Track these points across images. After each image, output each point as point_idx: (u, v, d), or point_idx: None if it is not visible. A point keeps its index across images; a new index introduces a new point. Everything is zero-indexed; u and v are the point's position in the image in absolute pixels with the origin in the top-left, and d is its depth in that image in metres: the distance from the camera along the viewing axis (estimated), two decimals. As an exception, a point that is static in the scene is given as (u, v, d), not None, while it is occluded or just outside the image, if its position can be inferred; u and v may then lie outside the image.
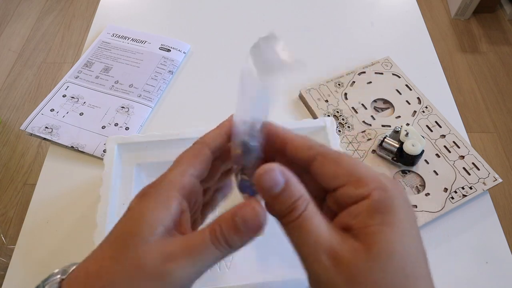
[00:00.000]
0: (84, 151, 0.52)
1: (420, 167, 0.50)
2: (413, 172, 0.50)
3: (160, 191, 0.23)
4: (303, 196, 0.22)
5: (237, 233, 0.22)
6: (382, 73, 0.60)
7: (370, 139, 0.53)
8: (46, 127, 0.54)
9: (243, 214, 0.22)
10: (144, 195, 0.23)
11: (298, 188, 0.22)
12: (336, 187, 0.22)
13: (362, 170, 0.22)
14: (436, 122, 0.54)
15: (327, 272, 0.20)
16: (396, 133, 0.50)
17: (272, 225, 0.42)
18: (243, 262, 0.39)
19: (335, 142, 0.45)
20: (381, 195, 0.21)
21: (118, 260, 0.21)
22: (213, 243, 0.22)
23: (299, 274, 0.38)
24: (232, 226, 0.22)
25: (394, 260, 0.19)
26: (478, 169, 0.50)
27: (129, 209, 0.24)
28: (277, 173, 0.21)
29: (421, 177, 0.49)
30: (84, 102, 0.57)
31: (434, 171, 0.50)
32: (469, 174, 0.49)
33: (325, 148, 0.23)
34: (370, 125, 0.54)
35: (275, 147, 0.25)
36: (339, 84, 0.58)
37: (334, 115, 0.55)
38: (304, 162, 0.24)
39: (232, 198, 0.30)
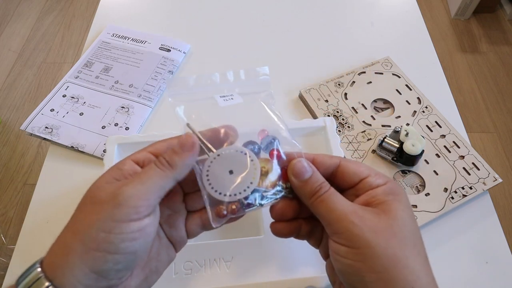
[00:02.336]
0: (84, 151, 0.52)
1: (420, 167, 0.50)
2: (413, 172, 0.50)
3: (116, 163, 0.28)
4: (326, 182, 0.29)
5: (176, 154, 0.27)
6: (382, 73, 0.60)
7: (370, 139, 0.53)
8: (46, 127, 0.54)
9: (180, 140, 0.28)
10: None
11: (321, 176, 0.29)
12: (361, 179, 0.29)
13: (376, 169, 0.30)
14: (436, 122, 0.54)
15: (356, 227, 0.26)
16: (396, 133, 0.50)
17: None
18: (243, 262, 0.39)
19: (335, 142, 0.45)
20: (393, 185, 0.29)
21: (80, 213, 0.26)
22: (157, 166, 0.27)
23: (299, 274, 0.38)
24: (171, 151, 0.28)
25: (401, 221, 0.27)
26: (478, 169, 0.50)
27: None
28: (305, 163, 0.29)
29: (421, 177, 0.49)
30: (84, 102, 0.57)
31: (434, 171, 0.50)
32: (469, 174, 0.49)
33: (343, 157, 0.32)
34: (370, 125, 0.54)
35: None
36: (339, 84, 0.58)
37: (334, 115, 0.55)
38: (329, 169, 0.30)
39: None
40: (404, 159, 0.49)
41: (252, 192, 0.28)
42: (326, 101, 0.56)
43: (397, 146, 0.49)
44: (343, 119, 0.55)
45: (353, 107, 0.56)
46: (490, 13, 1.81)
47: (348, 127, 0.54)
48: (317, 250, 0.38)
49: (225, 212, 0.28)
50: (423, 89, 0.58)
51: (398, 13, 0.71)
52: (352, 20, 0.70)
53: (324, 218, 0.27)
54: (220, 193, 0.28)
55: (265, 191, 0.29)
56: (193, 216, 0.32)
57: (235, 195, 0.28)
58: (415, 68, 0.61)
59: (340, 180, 0.30)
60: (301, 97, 0.58)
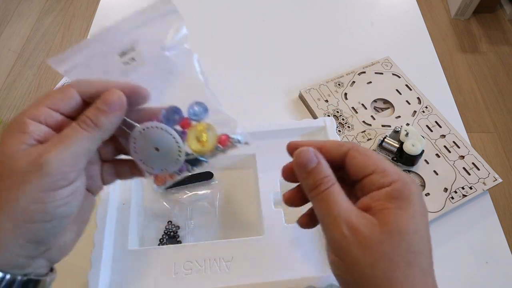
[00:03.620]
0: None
1: (420, 167, 0.50)
2: (413, 172, 0.50)
3: (13, 125, 0.25)
4: (330, 176, 0.26)
5: (102, 113, 0.25)
6: (382, 73, 0.60)
7: (370, 139, 0.53)
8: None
9: (105, 97, 0.26)
10: (2, 136, 0.26)
11: (327, 169, 0.26)
12: (364, 176, 0.26)
13: (387, 164, 0.26)
14: (436, 122, 0.54)
15: (345, 239, 0.24)
16: (396, 133, 0.50)
17: (272, 226, 0.42)
18: (243, 262, 0.39)
19: (335, 142, 0.45)
20: (400, 186, 0.25)
21: None
22: (82, 127, 0.25)
23: (299, 274, 0.38)
24: (96, 109, 0.26)
25: (398, 236, 0.23)
26: (478, 169, 0.50)
27: None
28: (311, 153, 0.27)
29: (421, 177, 0.49)
30: (85, 102, 0.57)
31: (434, 171, 0.50)
32: (469, 174, 0.49)
33: (355, 144, 0.28)
34: (370, 125, 0.54)
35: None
36: (339, 84, 0.58)
37: (334, 115, 0.55)
38: (338, 158, 0.28)
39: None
40: (404, 159, 0.49)
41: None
42: (326, 101, 0.57)
43: (397, 146, 0.49)
44: (343, 119, 0.55)
45: (353, 107, 0.56)
46: (490, 13, 1.81)
47: (348, 127, 0.54)
48: (316, 250, 0.38)
49: (161, 183, 0.31)
50: (423, 89, 0.58)
51: (398, 13, 0.71)
52: (352, 20, 0.70)
53: (319, 218, 0.26)
54: (149, 167, 0.30)
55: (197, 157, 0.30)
56: (107, 165, 0.32)
57: (164, 170, 0.30)
58: (415, 68, 0.61)
59: (349, 172, 0.27)
60: (301, 97, 0.58)
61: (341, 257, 0.24)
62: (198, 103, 0.31)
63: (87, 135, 0.25)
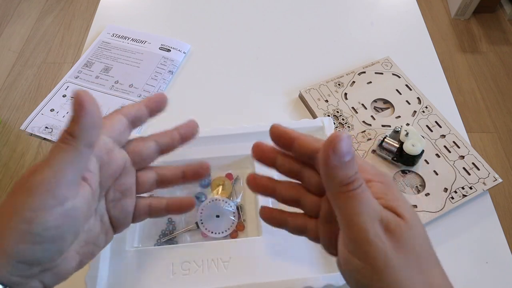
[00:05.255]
0: (84, 151, 0.52)
1: (420, 167, 0.50)
2: (413, 172, 0.50)
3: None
4: (359, 173, 0.24)
5: (73, 121, 0.24)
6: (382, 73, 0.60)
7: (370, 139, 0.53)
8: (46, 127, 0.54)
9: (72, 105, 0.25)
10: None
11: (357, 165, 0.24)
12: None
13: (359, 162, 0.26)
14: (436, 122, 0.54)
15: (379, 238, 0.23)
16: (396, 133, 0.50)
17: (270, 226, 0.42)
18: (241, 262, 0.39)
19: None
20: (388, 185, 0.26)
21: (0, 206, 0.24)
22: (60, 142, 0.24)
23: (297, 275, 0.38)
24: (70, 120, 0.25)
25: (420, 230, 0.25)
26: (478, 169, 0.50)
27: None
28: (350, 141, 0.23)
29: (421, 177, 0.49)
30: (84, 102, 0.57)
31: (434, 171, 0.49)
32: (469, 174, 0.49)
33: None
34: (370, 125, 0.54)
35: (282, 144, 0.28)
36: (339, 84, 0.58)
37: (334, 115, 0.55)
38: (311, 154, 0.27)
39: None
40: (404, 159, 0.49)
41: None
42: (326, 101, 0.56)
43: (397, 146, 0.49)
44: (343, 119, 0.54)
45: (353, 107, 0.56)
46: (490, 13, 1.81)
47: (348, 127, 0.54)
48: (316, 250, 0.38)
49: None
50: (423, 89, 0.58)
51: (398, 13, 0.71)
52: (352, 20, 0.70)
53: (345, 217, 0.24)
54: (207, 230, 0.43)
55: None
56: (142, 201, 0.32)
57: (218, 233, 0.43)
58: (415, 68, 0.61)
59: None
60: (301, 97, 0.58)
61: (368, 261, 0.23)
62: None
63: (65, 148, 0.24)
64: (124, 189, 0.31)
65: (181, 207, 0.34)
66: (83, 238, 0.28)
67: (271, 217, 0.30)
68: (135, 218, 0.32)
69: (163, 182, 0.33)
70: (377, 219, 0.23)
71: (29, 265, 0.24)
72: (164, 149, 0.33)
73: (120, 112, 0.30)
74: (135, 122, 0.31)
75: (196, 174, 0.33)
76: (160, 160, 0.45)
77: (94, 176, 0.27)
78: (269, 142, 0.46)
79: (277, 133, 0.28)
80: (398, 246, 0.23)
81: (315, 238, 0.29)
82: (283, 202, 0.30)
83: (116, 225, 0.31)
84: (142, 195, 0.33)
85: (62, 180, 0.24)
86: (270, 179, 0.30)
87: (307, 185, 0.29)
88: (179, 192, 0.46)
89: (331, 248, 0.28)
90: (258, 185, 0.30)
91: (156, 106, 0.32)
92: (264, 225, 0.41)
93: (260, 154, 0.29)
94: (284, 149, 0.29)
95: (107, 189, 0.30)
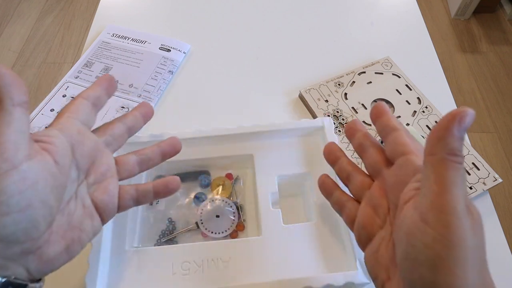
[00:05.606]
0: (84, 151, 0.52)
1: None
2: (413, 172, 0.50)
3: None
4: None
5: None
6: (382, 73, 0.60)
7: (370, 139, 0.53)
8: (46, 127, 0.54)
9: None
10: None
11: None
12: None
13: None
14: (436, 122, 0.54)
15: (465, 214, 0.22)
16: (396, 133, 0.50)
17: (270, 226, 0.42)
18: (241, 262, 0.39)
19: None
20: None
21: None
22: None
23: (297, 275, 0.38)
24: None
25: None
26: (478, 169, 0.50)
27: None
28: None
29: (421, 177, 0.49)
30: (84, 102, 0.57)
31: (434, 171, 0.49)
32: (469, 174, 0.49)
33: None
34: (370, 125, 0.54)
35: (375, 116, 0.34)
36: (339, 84, 0.58)
37: (334, 115, 0.55)
38: (390, 128, 0.32)
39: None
40: (404, 159, 0.49)
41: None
42: (326, 101, 0.56)
43: (397, 146, 0.49)
44: (343, 119, 0.54)
45: (353, 107, 0.56)
46: (490, 13, 1.81)
47: (348, 127, 0.54)
48: (316, 250, 0.38)
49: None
50: (423, 89, 0.58)
51: (398, 13, 0.71)
52: (352, 20, 0.70)
53: (439, 183, 0.23)
54: (207, 230, 0.43)
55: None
56: (128, 187, 0.32)
57: (218, 233, 0.43)
58: (415, 68, 0.61)
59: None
60: (301, 97, 0.58)
61: (446, 233, 0.22)
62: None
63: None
64: (104, 170, 0.31)
65: (167, 187, 0.35)
66: (65, 220, 0.28)
67: (323, 184, 0.37)
68: (121, 204, 0.32)
69: (143, 161, 0.35)
70: (465, 197, 0.23)
71: (6, 243, 0.23)
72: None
73: (79, 96, 0.32)
74: (96, 104, 0.33)
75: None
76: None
77: (58, 150, 0.28)
78: (267, 141, 0.47)
79: (377, 111, 0.33)
80: (474, 229, 0.22)
81: (349, 221, 0.33)
82: (339, 172, 0.36)
83: (102, 211, 0.31)
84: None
85: (4, 142, 0.24)
86: (339, 149, 0.37)
87: (366, 161, 0.33)
88: (179, 193, 0.46)
89: (365, 233, 0.29)
90: (331, 152, 0.37)
91: (108, 86, 0.35)
92: (264, 225, 0.41)
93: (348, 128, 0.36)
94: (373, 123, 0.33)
95: (86, 172, 0.31)
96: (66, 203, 0.29)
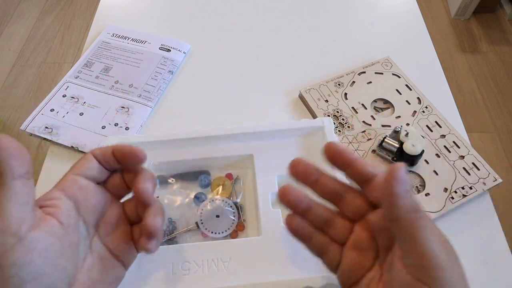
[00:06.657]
0: (84, 151, 0.52)
1: (420, 167, 0.50)
2: (413, 172, 0.50)
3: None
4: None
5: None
6: (382, 73, 0.60)
7: (370, 139, 0.53)
8: (46, 127, 0.54)
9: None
10: None
11: None
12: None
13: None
14: (436, 122, 0.54)
15: (451, 265, 0.24)
16: (396, 133, 0.50)
17: (270, 226, 0.42)
18: (241, 262, 0.39)
19: (335, 142, 0.45)
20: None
21: None
22: None
23: (297, 275, 0.38)
24: None
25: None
26: (478, 169, 0.50)
27: None
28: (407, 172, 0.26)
29: (421, 177, 0.49)
30: (84, 102, 0.57)
31: (434, 171, 0.49)
32: (469, 174, 0.49)
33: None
34: (370, 125, 0.54)
35: (337, 163, 0.29)
36: (339, 84, 0.58)
37: (334, 115, 0.55)
38: (366, 177, 0.28)
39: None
40: (404, 159, 0.49)
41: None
42: (326, 101, 0.56)
43: (397, 146, 0.49)
44: (343, 119, 0.54)
45: (353, 107, 0.56)
46: (490, 13, 1.81)
47: (348, 127, 0.54)
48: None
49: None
50: (423, 89, 0.58)
51: (398, 13, 0.71)
52: (352, 20, 0.70)
53: (414, 244, 0.24)
54: (207, 230, 0.43)
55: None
56: (138, 227, 0.32)
57: (218, 233, 0.43)
58: (415, 68, 0.61)
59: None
60: (301, 97, 0.58)
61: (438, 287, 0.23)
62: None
63: None
64: (113, 220, 0.31)
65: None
66: (86, 277, 0.28)
67: (298, 228, 0.31)
68: (138, 246, 0.32)
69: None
70: (441, 244, 0.24)
71: None
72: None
73: (90, 152, 0.32)
74: (106, 162, 0.32)
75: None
76: (160, 161, 0.45)
77: (62, 211, 0.28)
78: (267, 141, 0.47)
79: (333, 151, 0.29)
80: (453, 264, 0.25)
81: (331, 265, 0.30)
82: (314, 218, 0.31)
83: (123, 259, 0.31)
84: None
85: (8, 217, 0.24)
86: (305, 195, 0.30)
87: (345, 207, 0.30)
88: (179, 193, 0.46)
89: (352, 277, 0.28)
90: (290, 201, 0.30)
91: (121, 157, 0.32)
92: (264, 225, 0.41)
93: (301, 170, 0.30)
94: (337, 168, 0.29)
95: (96, 225, 0.31)
96: (83, 260, 0.29)
